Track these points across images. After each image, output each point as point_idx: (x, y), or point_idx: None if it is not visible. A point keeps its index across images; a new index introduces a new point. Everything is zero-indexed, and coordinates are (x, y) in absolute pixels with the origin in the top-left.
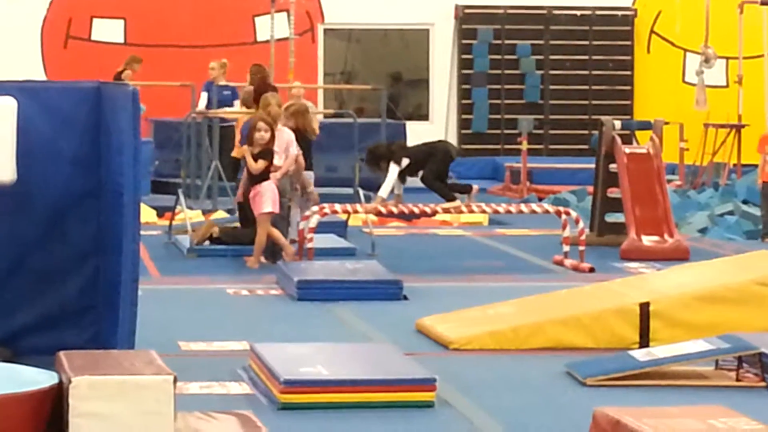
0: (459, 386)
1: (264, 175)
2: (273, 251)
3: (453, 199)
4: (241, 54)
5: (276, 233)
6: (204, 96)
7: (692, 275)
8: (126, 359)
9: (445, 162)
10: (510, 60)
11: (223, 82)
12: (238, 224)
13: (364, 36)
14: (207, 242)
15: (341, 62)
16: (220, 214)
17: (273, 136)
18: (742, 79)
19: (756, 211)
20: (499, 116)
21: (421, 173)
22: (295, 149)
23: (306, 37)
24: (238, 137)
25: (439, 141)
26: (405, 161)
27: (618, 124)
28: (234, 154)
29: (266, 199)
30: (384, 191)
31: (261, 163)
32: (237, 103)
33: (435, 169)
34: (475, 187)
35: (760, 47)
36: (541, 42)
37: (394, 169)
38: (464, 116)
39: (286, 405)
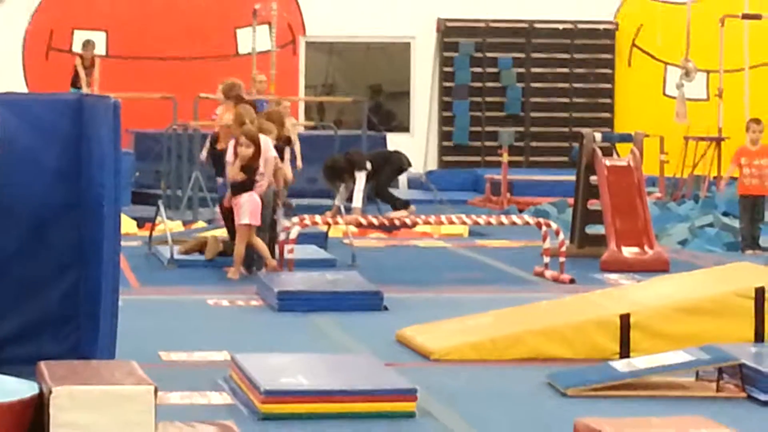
0: (440, 397)
1: (244, 187)
2: (250, 262)
3: (401, 208)
4: (223, 66)
5: (260, 244)
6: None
7: (672, 287)
8: (107, 369)
9: (398, 172)
10: (491, 73)
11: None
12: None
13: (345, 49)
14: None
15: (322, 75)
16: (200, 225)
17: (257, 152)
18: (723, 92)
19: (736, 224)
20: (480, 128)
21: (372, 182)
22: (273, 152)
23: (287, 50)
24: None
25: (392, 151)
26: (368, 164)
27: (599, 136)
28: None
29: (244, 210)
30: (358, 201)
31: (240, 175)
32: None
33: (388, 178)
34: (412, 207)
35: (741, 61)
36: (522, 55)
37: (361, 176)
38: (445, 128)
39: (266, 415)
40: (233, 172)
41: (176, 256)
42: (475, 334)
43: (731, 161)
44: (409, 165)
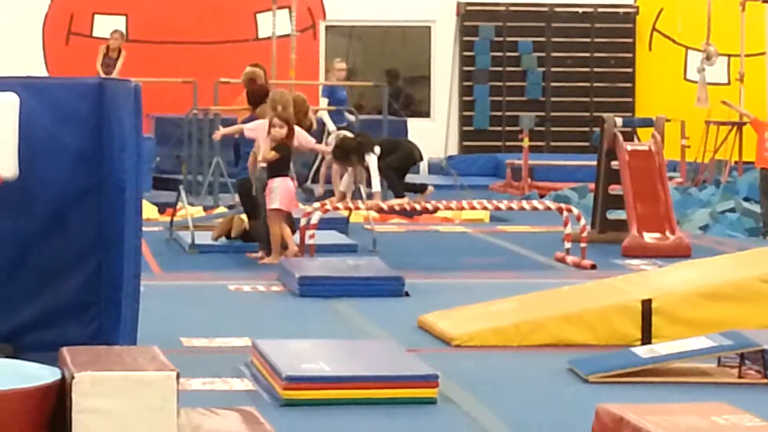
0: (461, 382)
1: (277, 171)
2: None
3: (402, 196)
4: (243, 51)
5: (287, 232)
6: (324, 101)
7: (694, 272)
8: (129, 355)
9: (407, 160)
10: (511, 57)
11: (341, 84)
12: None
13: (365, 33)
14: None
15: (343, 59)
16: (221, 210)
17: (291, 133)
18: (744, 76)
19: (757, 209)
20: (500, 113)
21: (369, 168)
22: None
23: (307, 34)
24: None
25: (405, 139)
26: (377, 149)
27: (619, 121)
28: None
29: (275, 195)
30: (376, 184)
31: (272, 153)
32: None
33: (394, 163)
34: (430, 188)
35: (762, 44)
36: (542, 39)
37: (372, 159)
38: (465, 113)
39: (288, 401)
40: (266, 152)
41: (197, 242)
42: (497, 320)
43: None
44: (421, 158)
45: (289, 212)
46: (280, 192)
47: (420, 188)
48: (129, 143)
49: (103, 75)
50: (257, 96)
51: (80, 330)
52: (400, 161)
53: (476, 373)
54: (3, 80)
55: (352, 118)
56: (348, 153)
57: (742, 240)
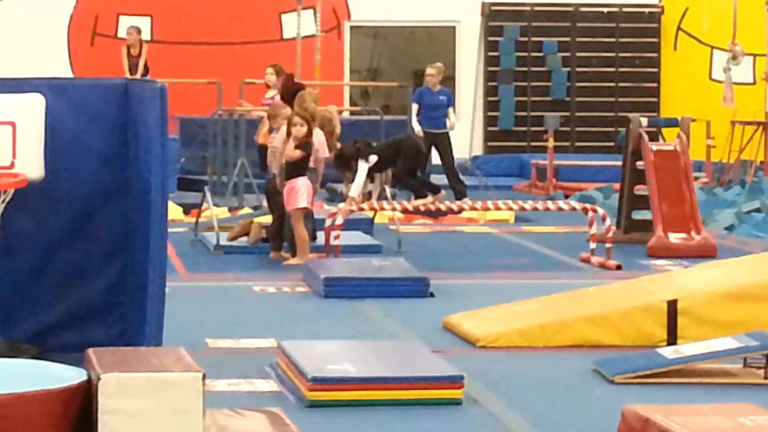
0: (487, 384)
1: (300, 170)
2: (293, 247)
3: (424, 195)
4: (268, 51)
5: (303, 234)
6: (414, 107)
7: (720, 272)
8: (155, 356)
9: (416, 157)
10: (536, 57)
11: (438, 88)
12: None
13: (390, 33)
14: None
15: (367, 59)
16: (246, 211)
17: (310, 131)
18: None
19: None
20: (525, 113)
21: (390, 171)
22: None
23: (332, 35)
24: (265, 130)
25: (406, 136)
26: (373, 158)
27: (645, 121)
28: (259, 140)
29: (300, 195)
30: (355, 191)
31: (297, 151)
32: (450, 110)
33: (404, 165)
34: (442, 192)
35: None
36: (567, 39)
37: (363, 167)
38: (490, 113)
39: (314, 402)
40: (289, 151)
41: (222, 243)
42: (522, 321)
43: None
44: (425, 149)
45: (312, 211)
46: (305, 191)
47: (434, 189)
48: (154, 144)
49: (129, 76)
50: (292, 92)
51: (106, 331)
52: (408, 164)
53: (501, 374)
54: (29, 81)
55: (448, 122)
56: (347, 159)
57: (767, 240)
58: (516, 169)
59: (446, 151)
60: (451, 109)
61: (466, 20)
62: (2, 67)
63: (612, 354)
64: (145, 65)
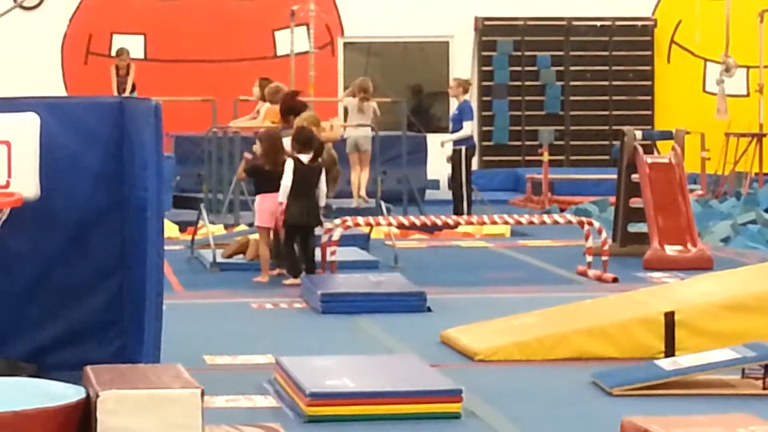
0: (485, 397)
1: (261, 187)
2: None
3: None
4: (262, 68)
5: (263, 251)
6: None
7: (717, 284)
8: (153, 373)
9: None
10: (530, 71)
11: (460, 100)
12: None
13: (383, 49)
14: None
15: (361, 75)
16: (242, 228)
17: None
18: (763, 87)
19: None
20: (519, 127)
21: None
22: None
23: (326, 51)
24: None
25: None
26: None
27: (639, 134)
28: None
29: (259, 213)
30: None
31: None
32: (466, 123)
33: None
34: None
35: None
36: (561, 53)
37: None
38: (485, 128)
39: (312, 417)
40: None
41: (219, 260)
42: (520, 334)
43: None
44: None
45: (273, 229)
46: (258, 209)
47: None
48: (150, 162)
49: (116, 95)
50: (294, 110)
51: (103, 349)
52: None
53: (500, 387)
54: (23, 100)
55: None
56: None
57: (763, 251)
58: (511, 183)
59: (453, 167)
60: (466, 123)
61: (460, 35)
62: None
63: (610, 366)
64: (133, 84)
